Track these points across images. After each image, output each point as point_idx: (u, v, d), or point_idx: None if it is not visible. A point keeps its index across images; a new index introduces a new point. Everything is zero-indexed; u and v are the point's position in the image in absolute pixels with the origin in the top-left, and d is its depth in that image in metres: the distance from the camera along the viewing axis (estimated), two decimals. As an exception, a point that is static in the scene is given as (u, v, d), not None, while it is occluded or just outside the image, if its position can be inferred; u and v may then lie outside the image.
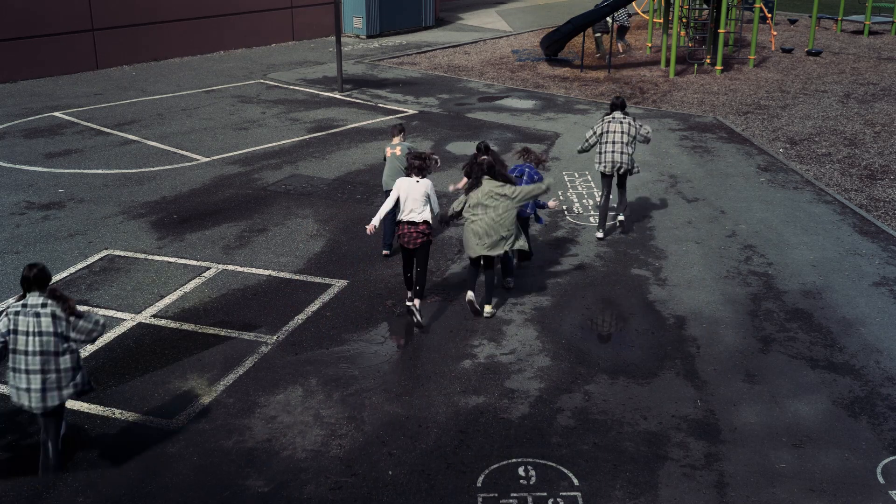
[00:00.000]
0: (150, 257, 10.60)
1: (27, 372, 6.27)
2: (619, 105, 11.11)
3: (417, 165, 8.81)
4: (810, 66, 22.27)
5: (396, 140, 10.58)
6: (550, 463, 6.90)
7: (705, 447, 7.13)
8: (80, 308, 6.56)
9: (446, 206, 10.35)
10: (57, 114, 16.86)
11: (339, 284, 9.92)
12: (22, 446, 7.06)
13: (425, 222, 8.76)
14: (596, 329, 9.09)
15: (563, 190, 12.97)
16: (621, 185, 11.22)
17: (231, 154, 14.52)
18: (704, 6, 22.55)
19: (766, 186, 13.24)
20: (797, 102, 18.55)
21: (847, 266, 10.48)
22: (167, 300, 9.51)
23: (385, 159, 10.58)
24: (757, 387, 7.98)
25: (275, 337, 8.78)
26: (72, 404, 7.54)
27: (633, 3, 25.65)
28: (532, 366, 8.29)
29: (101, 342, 8.57)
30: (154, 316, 9.18)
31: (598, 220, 11.44)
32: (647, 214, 12.08)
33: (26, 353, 6.25)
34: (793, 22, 28.90)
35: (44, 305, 6.26)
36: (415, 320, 8.88)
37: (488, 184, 8.82)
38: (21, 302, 6.32)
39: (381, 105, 18.04)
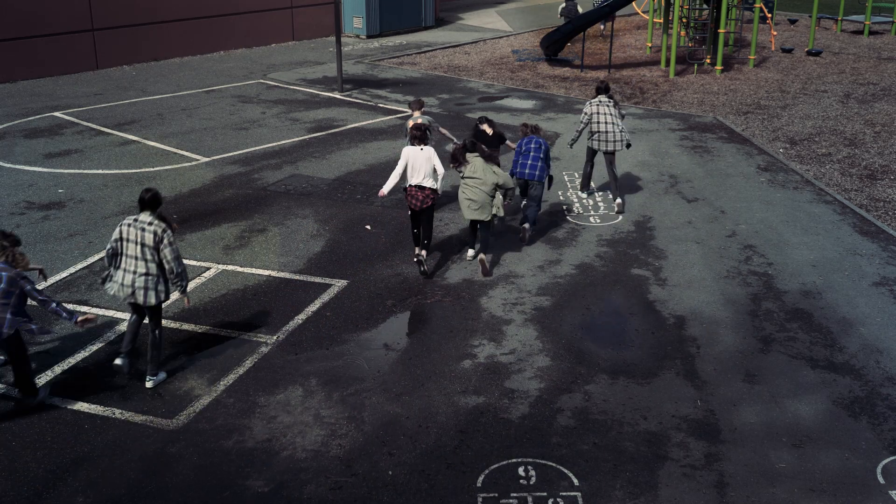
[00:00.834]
0: (150, 257, 10.60)
1: (128, 271, 7.63)
2: (603, 89, 12.24)
3: (419, 136, 10.08)
4: (810, 66, 22.27)
5: (417, 114, 11.56)
6: (550, 463, 6.90)
7: (705, 447, 7.13)
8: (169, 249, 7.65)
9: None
10: (57, 114, 16.87)
11: (339, 284, 9.92)
12: (22, 446, 7.07)
13: (431, 188, 10.03)
14: (596, 329, 9.09)
15: (563, 190, 12.98)
16: (611, 164, 12.20)
17: (231, 154, 14.52)
18: (704, 6, 22.56)
19: (766, 186, 13.24)
20: (797, 102, 18.56)
21: (847, 266, 10.48)
22: (167, 300, 9.51)
23: (407, 133, 11.01)
24: (757, 387, 7.98)
25: (275, 337, 8.78)
26: (71, 404, 7.57)
27: (634, 2, 25.67)
28: (532, 366, 8.29)
29: (100, 342, 8.59)
30: (154, 316, 9.18)
31: (581, 182, 12.89)
32: (648, 214, 12.08)
33: (130, 256, 7.62)
34: (793, 22, 28.91)
35: (150, 223, 7.59)
36: (421, 269, 10.11)
37: (479, 160, 10.09)
38: (134, 217, 7.67)
39: (381, 105, 18.04)
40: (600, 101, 12.14)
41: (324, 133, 15.87)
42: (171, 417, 7.45)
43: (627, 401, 7.75)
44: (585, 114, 12.20)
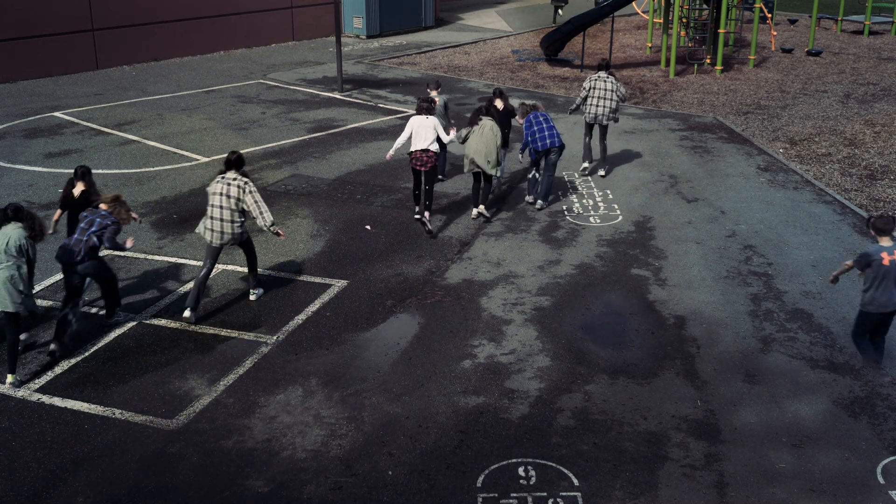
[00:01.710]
0: (150, 257, 10.61)
1: (214, 219, 9.05)
2: (604, 66, 13.33)
3: (425, 107, 11.42)
4: (810, 66, 22.27)
5: (434, 94, 12.62)
6: (550, 463, 6.90)
7: (705, 447, 7.13)
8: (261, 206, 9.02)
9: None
10: (57, 114, 16.86)
11: (339, 284, 9.92)
12: (22, 446, 7.07)
13: (434, 151, 11.19)
14: (596, 329, 9.08)
15: (563, 190, 12.98)
16: (603, 137, 13.36)
17: (231, 154, 14.52)
18: (704, 6, 22.56)
19: (766, 186, 13.24)
20: (797, 102, 18.56)
21: (847, 266, 10.48)
22: (167, 300, 9.52)
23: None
24: (757, 387, 7.98)
25: (275, 337, 8.78)
26: (72, 404, 7.57)
27: (634, 2, 25.67)
28: (532, 366, 8.29)
29: (100, 342, 8.59)
30: (154, 316, 9.19)
31: (583, 154, 13.78)
32: (647, 214, 12.08)
33: (216, 206, 9.03)
34: (793, 22, 28.91)
35: (234, 179, 9.03)
36: (426, 229, 11.18)
37: (490, 122, 11.53)
38: (221, 174, 9.14)
39: (381, 105, 18.04)
40: (599, 77, 13.14)
41: (324, 133, 15.87)
42: (171, 417, 7.45)
43: (627, 401, 7.75)
44: (584, 88, 13.24)
